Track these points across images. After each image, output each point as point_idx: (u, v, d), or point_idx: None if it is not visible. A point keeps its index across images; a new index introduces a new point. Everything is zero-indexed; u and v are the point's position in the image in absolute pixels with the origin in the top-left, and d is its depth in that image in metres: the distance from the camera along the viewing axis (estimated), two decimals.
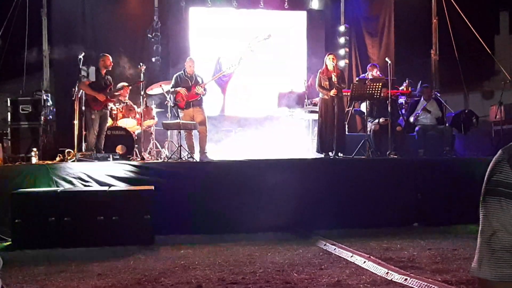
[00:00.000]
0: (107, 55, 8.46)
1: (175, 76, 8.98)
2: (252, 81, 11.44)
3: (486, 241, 1.08)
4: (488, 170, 1.11)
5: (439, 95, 10.39)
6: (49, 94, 9.70)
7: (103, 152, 8.15)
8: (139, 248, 6.20)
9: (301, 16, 12.01)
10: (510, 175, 1.06)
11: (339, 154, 8.72)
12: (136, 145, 8.79)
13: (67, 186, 7.02)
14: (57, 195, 6.56)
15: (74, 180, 7.13)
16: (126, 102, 9.14)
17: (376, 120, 9.07)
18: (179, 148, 8.33)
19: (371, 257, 5.34)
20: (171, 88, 8.85)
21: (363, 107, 9.59)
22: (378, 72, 9.63)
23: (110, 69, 8.47)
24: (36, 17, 9.89)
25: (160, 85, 9.16)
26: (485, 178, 1.11)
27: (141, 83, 8.66)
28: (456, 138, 9.82)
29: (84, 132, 8.18)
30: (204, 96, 8.86)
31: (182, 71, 8.99)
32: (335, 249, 5.86)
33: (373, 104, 9.17)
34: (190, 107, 8.74)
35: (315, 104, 9.75)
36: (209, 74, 9.46)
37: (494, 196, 1.07)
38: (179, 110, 8.79)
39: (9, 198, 6.47)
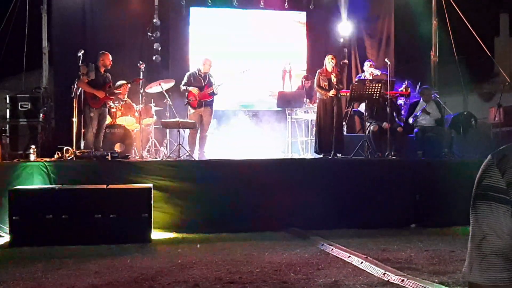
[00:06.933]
0: (107, 53, 8.45)
1: (187, 74, 9.06)
2: (251, 80, 11.43)
3: (476, 245, 1.09)
4: (478, 174, 1.12)
5: (438, 96, 10.40)
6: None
7: (102, 150, 8.15)
8: (137, 246, 6.20)
9: (301, 16, 12.01)
10: (499, 180, 1.07)
11: (338, 154, 8.71)
12: (134, 143, 8.79)
13: (65, 183, 7.01)
14: (55, 193, 6.56)
15: (72, 178, 7.13)
16: (125, 100, 9.14)
17: (374, 122, 9.05)
18: (178, 147, 8.34)
19: (368, 257, 5.34)
20: (183, 85, 8.92)
21: (362, 108, 9.59)
22: (373, 68, 9.66)
23: (110, 67, 8.46)
24: (36, 14, 9.87)
25: (159, 84, 9.16)
26: (475, 183, 1.12)
27: (140, 81, 8.66)
28: (455, 140, 9.82)
29: (82, 130, 8.17)
30: (215, 96, 8.97)
31: (196, 70, 9.04)
32: (332, 249, 5.86)
33: (373, 106, 9.15)
34: (201, 107, 8.84)
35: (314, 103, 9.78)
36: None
37: (485, 201, 1.08)
38: (189, 108, 8.86)
39: (7, 195, 6.46)
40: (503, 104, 10.26)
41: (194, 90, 8.80)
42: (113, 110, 8.92)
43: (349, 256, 5.46)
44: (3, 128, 9.08)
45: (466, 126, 9.87)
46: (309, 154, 9.65)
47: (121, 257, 5.62)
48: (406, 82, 10.26)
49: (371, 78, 9.45)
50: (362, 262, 5.17)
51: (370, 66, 9.84)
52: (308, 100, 10.00)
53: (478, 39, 10.20)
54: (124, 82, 8.86)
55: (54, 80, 10.45)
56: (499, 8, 18.41)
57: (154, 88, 9.25)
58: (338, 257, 5.55)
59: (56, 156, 8.04)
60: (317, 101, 9.06)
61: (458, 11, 10.14)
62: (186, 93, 8.89)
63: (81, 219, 6.43)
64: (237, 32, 11.64)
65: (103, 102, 8.32)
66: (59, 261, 5.44)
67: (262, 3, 11.35)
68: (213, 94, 8.94)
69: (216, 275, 4.82)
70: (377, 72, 9.81)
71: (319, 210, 7.47)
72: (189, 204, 7.29)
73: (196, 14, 11.49)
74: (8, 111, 8.99)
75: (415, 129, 9.54)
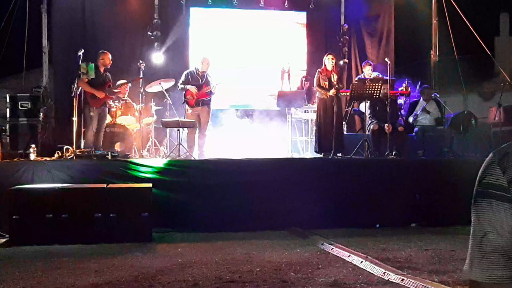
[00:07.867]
0: (106, 52, 8.45)
1: (185, 72, 9.04)
2: (250, 80, 11.44)
3: (477, 243, 1.09)
4: (479, 172, 1.12)
5: (438, 96, 10.40)
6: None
7: (102, 149, 8.15)
8: (137, 245, 6.20)
9: (301, 16, 12.01)
10: (500, 177, 1.07)
11: (338, 154, 8.71)
12: (134, 143, 8.80)
13: (65, 183, 7.01)
14: (55, 192, 6.55)
15: (72, 177, 7.13)
16: (125, 100, 9.14)
17: (376, 121, 9.04)
18: (178, 146, 8.34)
19: (368, 257, 5.34)
20: (180, 84, 8.91)
21: (363, 107, 9.58)
22: (371, 71, 9.62)
23: (109, 66, 8.47)
24: (36, 13, 9.88)
25: (159, 83, 9.17)
26: (476, 181, 1.12)
27: (140, 80, 8.66)
28: (455, 139, 9.82)
29: (82, 129, 8.18)
30: (213, 95, 8.97)
31: (194, 69, 9.04)
32: (332, 248, 5.86)
33: (376, 104, 9.12)
34: (199, 106, 8.82)
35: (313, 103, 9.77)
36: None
37: (485, 198, 1.08)
38: (187, 107, 8.85)
39: (7, 194, 6.46)
40: (503, 104, 10.26)
41: (192, 88, 8.79)
42: (113, 109, 8.93)
43: (349, 256, 5.46)
44: (3, 127, 9.09)
45: (466, 125, 9.87)
46: (309, 153, 9.64)
47: (121, 256, 5.62)
48: (406, 81, 10.26)
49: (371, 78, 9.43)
50: (362, 261, 5.17)
51: (372, 69, 9.73)
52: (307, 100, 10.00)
53: (478, 38, 10.20)
54: (124, 81, 8.87)
55: (54, 80, 10.46)
56: (499, 8, 18.43)
57: (154, 87, 9.26)
58: (338, 256, 5.55)
59: (56, 155, 8.04)
60: (317, 100, 9.06)
61: (458, 10, 10.14)
62: (184, 92, 8.88)
63: (81, 218, 6.42)
64: (237, 32, 11.64)
65: (103, 101, 8.32)
66: (59, 260, 5.44)
67: (262, 3, 11.36)
68: (210, 93, 8.93)
69: (216, 274, 4.82)
70: (376, 74, 9.77)
71: (319, 209, 7.46)
72: (189, 203, 7.29)
73: (196, 14, 11.49)
74: (8, 110, 9.00)
75: (415, 129, 9.53)
